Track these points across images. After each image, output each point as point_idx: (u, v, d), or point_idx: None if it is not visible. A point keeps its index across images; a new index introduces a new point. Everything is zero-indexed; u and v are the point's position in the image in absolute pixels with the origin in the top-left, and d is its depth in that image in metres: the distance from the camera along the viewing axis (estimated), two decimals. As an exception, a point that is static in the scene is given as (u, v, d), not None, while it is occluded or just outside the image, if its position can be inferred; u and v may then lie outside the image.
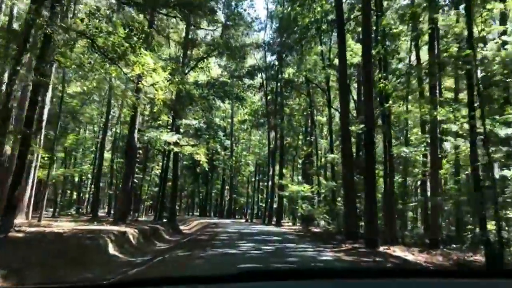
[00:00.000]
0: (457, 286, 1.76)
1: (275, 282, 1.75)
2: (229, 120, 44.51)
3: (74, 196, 42.35)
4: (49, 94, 18.33)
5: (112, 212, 31.84)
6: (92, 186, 36.43)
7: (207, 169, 35.68)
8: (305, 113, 29.79)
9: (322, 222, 20.51)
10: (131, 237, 13.91)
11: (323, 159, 21.20)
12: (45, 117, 17.98)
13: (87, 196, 40.37)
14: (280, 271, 2.33)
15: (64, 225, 15.62)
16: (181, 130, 27.63)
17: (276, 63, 29.10)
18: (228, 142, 38.52)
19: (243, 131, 46.37)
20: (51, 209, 30.49)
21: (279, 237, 15.20)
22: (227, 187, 50.94)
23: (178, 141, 23.44)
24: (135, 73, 13.98)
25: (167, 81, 13.85)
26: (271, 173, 32.78)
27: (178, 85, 14.28)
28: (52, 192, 28.35)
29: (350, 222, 12.80)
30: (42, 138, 17.96)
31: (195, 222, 34.10)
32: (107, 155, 34.85)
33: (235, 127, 45.16)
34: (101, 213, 34.78)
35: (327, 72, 21.65)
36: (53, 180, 28.23)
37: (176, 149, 23.54)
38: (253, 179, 48.23)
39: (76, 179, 39.77)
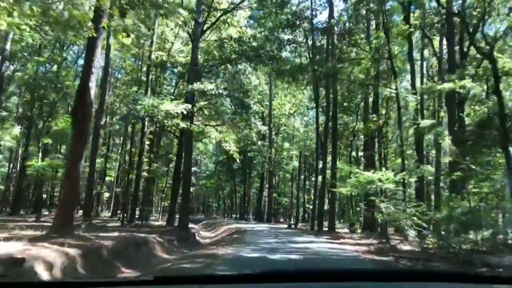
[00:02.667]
0: None
1: (291, 283, 1.69)
2: (267, 103, 36.86)
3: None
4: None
5: (128, 212, 25.26)
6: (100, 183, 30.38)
7: (238, 160, 28.23)
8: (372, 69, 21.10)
9: (412, 233, 12.24)
10: (42, 268, 6.65)
11: (409, 130, 12.86)
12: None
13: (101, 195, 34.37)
14: (297, 272, 2.19)
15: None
16: (201, 103, 20.32)
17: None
18: (265, 128, 30.72)
19: (284, 117, 38.45)
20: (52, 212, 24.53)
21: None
22: (267, 185, 43.36)
23: (185, 112, 16.13)
24: None
25: None
26: (320, 165, 24.77)
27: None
28: (34, 190, 22.22)
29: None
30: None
31: (224, 227, 27.34)
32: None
33: (275, 112, 37.38)
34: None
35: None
36: (39, 174, 22.19)
37: (182, 124, 16.19)
38: (297, 177, 40.29)
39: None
